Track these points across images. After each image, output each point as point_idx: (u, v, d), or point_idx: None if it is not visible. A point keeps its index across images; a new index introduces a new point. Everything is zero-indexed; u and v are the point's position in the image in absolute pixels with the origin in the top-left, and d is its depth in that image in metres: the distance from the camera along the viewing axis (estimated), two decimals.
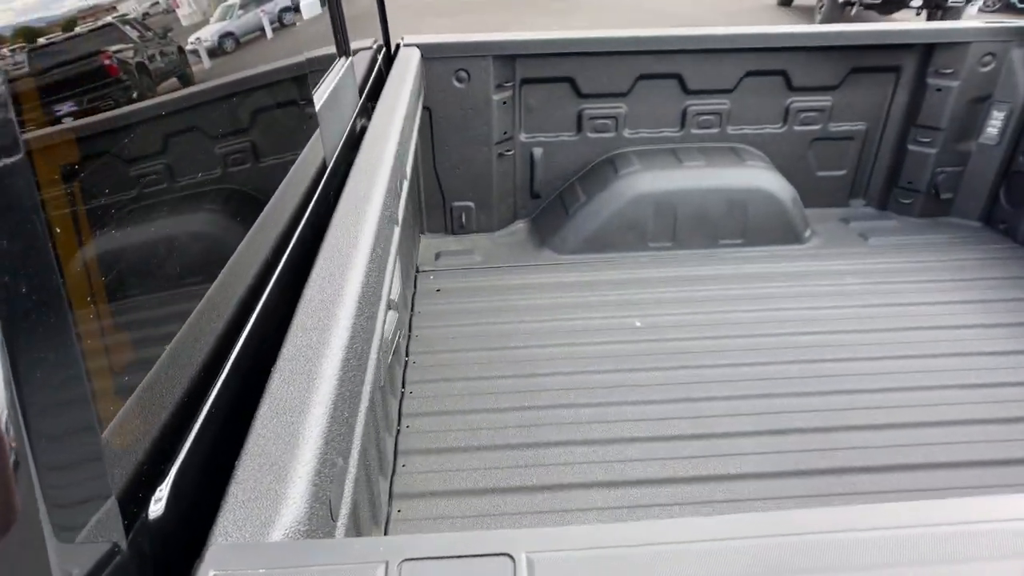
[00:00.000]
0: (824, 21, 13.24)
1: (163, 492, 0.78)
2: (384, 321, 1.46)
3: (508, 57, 2.98)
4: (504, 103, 3.05)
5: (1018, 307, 2.64)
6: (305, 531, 0.77)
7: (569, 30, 3.10)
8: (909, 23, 3.12)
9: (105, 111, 0.77)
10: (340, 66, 1.91)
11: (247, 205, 1.16)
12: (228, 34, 1.28)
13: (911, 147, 3.28)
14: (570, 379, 2.29)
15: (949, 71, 3.09)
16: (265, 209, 1.21)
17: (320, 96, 1.65)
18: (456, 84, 2.96)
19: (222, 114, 1.08)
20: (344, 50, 1.91)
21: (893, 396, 2.20)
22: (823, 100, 3.22)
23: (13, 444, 0.52)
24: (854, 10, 14.34)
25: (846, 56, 3.12)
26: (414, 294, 2.80)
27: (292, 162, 1.39)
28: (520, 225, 3.38)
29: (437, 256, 3.11)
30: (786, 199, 3.07)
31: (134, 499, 0.73)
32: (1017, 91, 3.04)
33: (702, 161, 3.11)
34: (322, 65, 1.74)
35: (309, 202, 1.49)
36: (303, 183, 1.48)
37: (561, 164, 3.27)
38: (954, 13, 13.02)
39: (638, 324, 2.58)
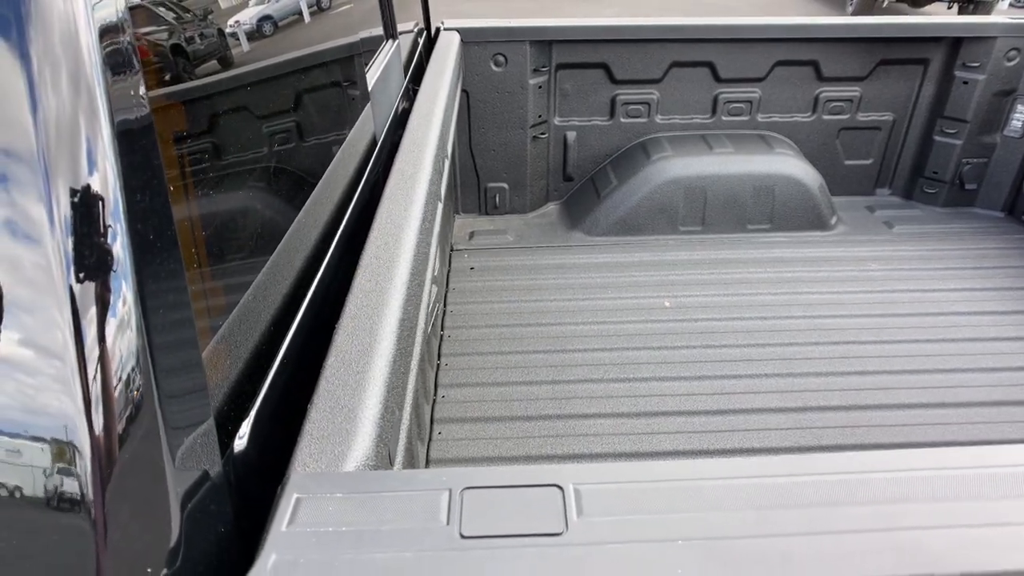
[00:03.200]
0: (855, 13, 13.16)
1: (246, 428, 0.89)
2: (428, 292, 1.57)
3: (545, 43, 3.09)
4: (540, 87, 3.16)
5: None
6: (372, 467, 0.86)
7: (597, 18, 3.19)
8: (938, 17, 3.18)
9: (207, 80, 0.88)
10: (388, 48, 2.02)
11: (308, 177, 1.28)
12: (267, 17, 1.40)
13: (937, 138, 3.35)
14: (601, 355, 2.41)
15: (976, 64, 3.15)
16: (322, 180, 1.33)
17: (371, 76, 1.76)
18: (494, 68, 3.07)
19: (291, 93, 1.20)
20: (391, 33, 2.03)
21: (912, 378, 2.29)
22: (852, 90, 3.29)
23: (141, 375, 0.63)
24: (885, 2, 14.23)
25: (875, 48, 3.19)
26: (449, 271, 2.93)
27: (348, 138, 1.51)
28: (552, 207, 3.49)
29: (471, 235, 3.24)
30: (813, 186, 3.15)
31: (224, 431, 0.83)
32: None
33: (731, 148, 3.20)
34: (373, 47, 1.86)
35: (362, 175, 1.60)
36: (356, 157, 1.60)
37: (594, 148, 3.38)
38: (985, 8, 12.87)
39: (667, 304, 2.69)
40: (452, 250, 3.12)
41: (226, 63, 0.95)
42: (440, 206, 1.82)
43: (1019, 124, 3.20)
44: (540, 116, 3.23)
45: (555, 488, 0.75)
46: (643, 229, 3.17)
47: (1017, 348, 2.41)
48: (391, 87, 1.91)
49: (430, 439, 2.08)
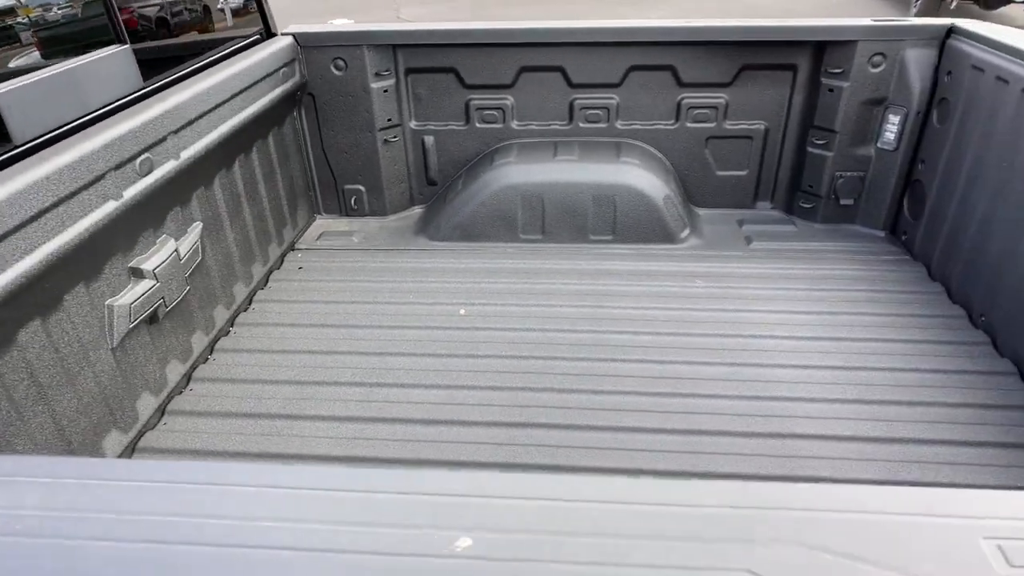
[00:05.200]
0: (920, 14, 12.37)
1: None
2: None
3: (387, 47, 3.09)
4: (385, 91, 3.16)
5: (863, 321, 2.50)
6: None
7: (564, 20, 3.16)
8: (798, 20, 2.96)
9: None
10: (103, 53, 2.04)
11: None
12: None
13: (810, 149, 3.13)
14: (363, 359, 2.39)
15: (838, 71, 2.92)
16: None
17: (18, 83, 1.78)
18: (335, 72, 3.10)
19: None
20: (120, 38, 2.09)
21: (690, 402, 2.16)
22: (716, 97, 3.13)
23: None
24: (953, 3, 13.28)
25: (736, 53, 3.02)
26: (274, 270, 2.98)
27: None
28: (417, 211, 3.48)
29: (320, 236, 3.28)
30: (656, 197, 3.01)
31: None
32: (911, 94, 2.85)
33: (576, 156, 3.10)
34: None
35: None
36: None
37: (453, 153, 3.35)
38: None
39: (462, 312, 2.65)
40: (292, 248, 3.17)
41: None
42: (112, 204, 1.87)
43: (891, 136, 2.95)
44: (390, 119, 3.23)
45: None
46: (483, 235, 3.13)
47: (795, 376, 2.23)
48: (89, 93, 1.96)
49: (153, 428, 2.13)
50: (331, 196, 3.42)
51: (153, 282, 2.09)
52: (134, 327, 2.04)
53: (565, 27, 3.02)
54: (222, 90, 2.41)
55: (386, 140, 3.26)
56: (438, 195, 3.43)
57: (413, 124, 3.31)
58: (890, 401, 2.12)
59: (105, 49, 2.05)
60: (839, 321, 2.51)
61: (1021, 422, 2.05)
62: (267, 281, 2.91)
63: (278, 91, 2.85)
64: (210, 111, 2.34)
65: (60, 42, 1.94)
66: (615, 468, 1.94)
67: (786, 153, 3.23)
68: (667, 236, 3.06)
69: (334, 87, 3.13)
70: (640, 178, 3.02)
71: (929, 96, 2.83)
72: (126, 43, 2.12)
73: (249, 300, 2.77)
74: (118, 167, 1.89)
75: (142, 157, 1.99)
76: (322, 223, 3.42)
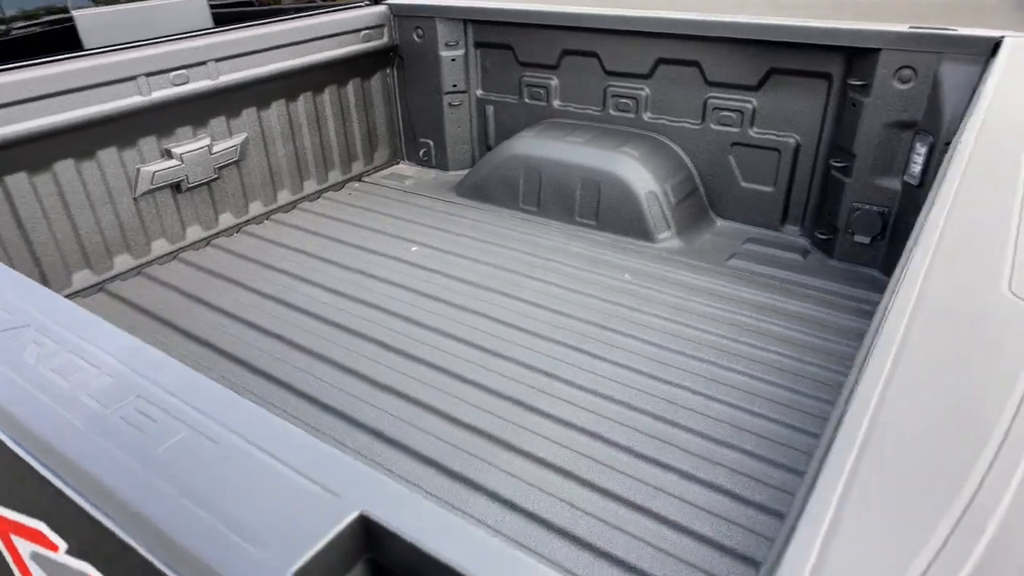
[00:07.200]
0: None
1: None
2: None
3: (458, 21, 3.48)
4: (453, 60, 3.57)
5: (760, 356, 2.23)
6: None
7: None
8: (820, 20, 2.51)
9: None
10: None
11: None
12: None
13: (831, 172, 2.71)
14: (320, 264, 2.86)
15: (860, 83, 2.49)
16: None
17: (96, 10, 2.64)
18: (415, 39, 3.60)
19: None
20: None
21: (588, 399, 2.10)
22: (743, 100, 2.89)
23: None
24: None
25: (763, 53, 2.76)
26: (328, 189, 3.62)
27: None
28: None
29: (388, 175, 3.85)
30: (640, 191, 2.93)
31: None
32: (940, 120, 2.31)
33: (583, 139, 3.15)
34: None
35: None
36: None
37: (508, 124, 3.62)
38: None
39: (413, 249, 2.99)
40: (360, 179, 3.79)
41: None
42: (139, 98, 2.65)
43: (917, 169, 2.43)
44: (455, 85, 3.63)
45: None
46: (492, 198, 3.38)
47: (638, 383, 2.13)
48: (155, 26, 2.77)
49: (163, 264, 2.92)
50: (412, 145, 3.96)
51: (178, 163, 2.87)
52: (158, 189, 2.84)
53: (596, 13, 3.08)
54: (278, 37, 3.09)
55: (451, 104, 3.68)
56: None
57: (479, 93, 3.66)
58: (700, 433, 1.93)
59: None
60: (733, 349, 2.26)
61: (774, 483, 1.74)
62: (319, 196, 3.58)
63: (357, 48, 3.46)
64: (262, 51, 3.03)
65: None
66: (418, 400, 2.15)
67: (819, 173, 2.83)
68: (644, 233, 2.96)
69: (415, 51, 3.64)
70: (630, 170, 2.97)
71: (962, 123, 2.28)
72: None
73: (293, 205, 3.46)
74: (150, 74, 2.67)
75: (176, 72, 2.75)
76: (401, 167, 3.99)
